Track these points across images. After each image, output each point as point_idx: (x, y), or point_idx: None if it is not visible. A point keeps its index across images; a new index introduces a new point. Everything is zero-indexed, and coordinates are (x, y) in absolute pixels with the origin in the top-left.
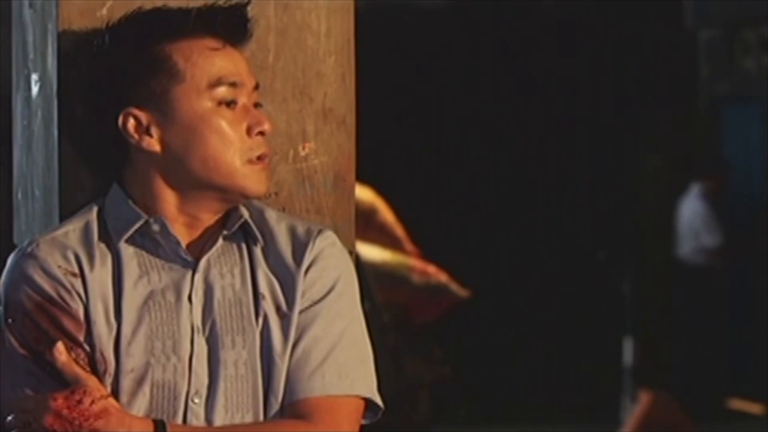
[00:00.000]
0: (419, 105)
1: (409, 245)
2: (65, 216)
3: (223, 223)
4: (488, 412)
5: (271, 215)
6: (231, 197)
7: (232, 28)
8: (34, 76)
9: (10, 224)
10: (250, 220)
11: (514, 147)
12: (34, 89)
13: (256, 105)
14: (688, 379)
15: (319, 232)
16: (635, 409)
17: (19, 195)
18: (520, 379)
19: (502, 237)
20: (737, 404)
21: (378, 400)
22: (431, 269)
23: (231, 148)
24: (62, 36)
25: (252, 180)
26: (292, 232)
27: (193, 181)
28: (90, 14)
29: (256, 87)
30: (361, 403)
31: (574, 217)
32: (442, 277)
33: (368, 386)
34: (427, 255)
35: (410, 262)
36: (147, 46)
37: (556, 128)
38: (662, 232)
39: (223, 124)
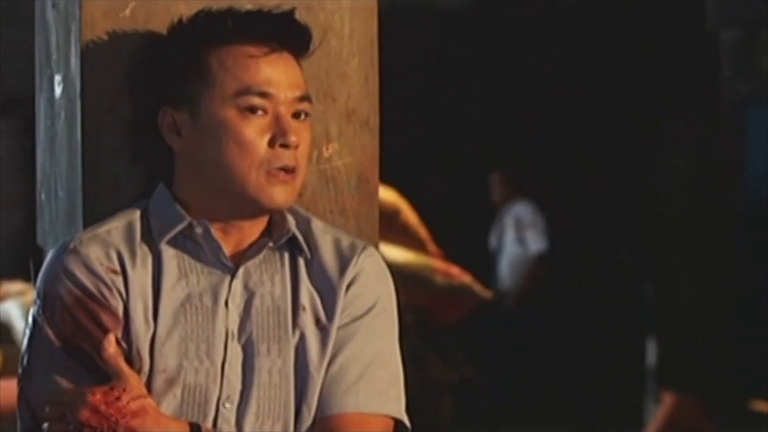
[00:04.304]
0: (442, 106)
1: (432, 246)
2: (88, 217)
3: (268, 230)
4: (510, 414)
5: (317, 226)
6: (248, 206)
7: (280, 35)
8: (57, 77)
9: (33, 225)
10: (296, 231)
11: (536, 147)
12: (58, 90)
13: (299, 115)
14: (712, 381)
15: (364, 248)
16: (658, 411)
17: (43, 196)
18: (543, 380)
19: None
20: (760, 406)
21: (407, 422)
22: (454, 270)
23: (247, 158)
24: (85, 37)
25: (267, 192)
26: (337, 246)
27: (211, 186)
28: (113, 15)
29: (303, 98)
30: (391, 423)
31: (595, 218)
32: (466, 278)
33: (399, 407)
34: (450, 256)
35: (433, 263)
36: (189, 50)
37: (577, 129)
38: (683, 233)
39: (245, 133)
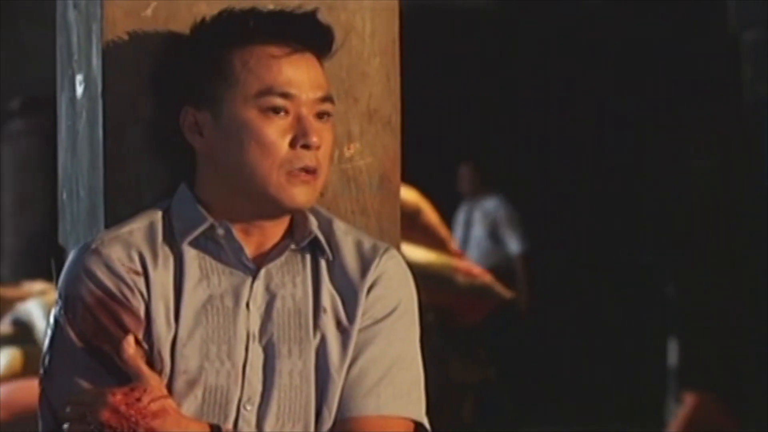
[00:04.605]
0: (463, 106)
1: (453, 246)
2: (110, 216)
3: (290, 231)
4: (532, 413)
5: (339, 227)
6: (270, 207)
7: (303, 35)
8: (79, 77)
9: (54, 225)
10: (318, 233)
11: (559, 148)
12: (79, 90)
13: (321, 116)
14: (733, 381)
15: (386, 250)
16: (679, 411)
17: (64, 195)
18: (564, 380)
19: (546, 239)
20: None
21: (427, 425)
22: (476, 270)
23: (269, 158)
24: (106, 37)
25: (287, 192)
26: (359, 248)
27: (232, 187)
28: (134, 15)
29: (325, 99)
30: (411, 426)
31: (618, 219)
32: (487, 279)
33: (420, 410)
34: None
35: (455, 263)
36: (211, 50)
37: (599, 130)
38: (705, 234)
39: (266, 133)
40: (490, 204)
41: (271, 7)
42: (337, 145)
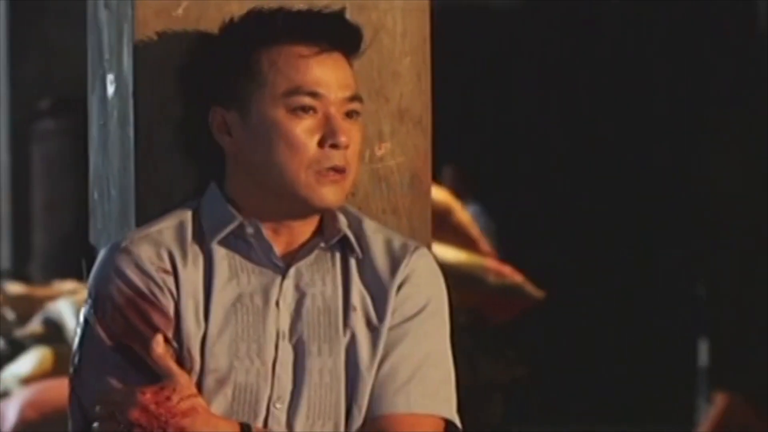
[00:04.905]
0: (495, 105)
1: (484, 246)
2: (141, 216)
3: (319, 229)
4: (562, 413)
5: (369, 226)
6: (299, 206)
7: (331, 34)
8: (110, 77)
9: (85, 225)
10: (348, 232)
11: (590, 148)
12: (110, 90)
13: (350, 115)
14: (763, 382)
15: (415, 248)
16: (710, 411)
17: (95, 195)
18: (595, 379)
19: (578, 238)
20: None
21: (457, 422)
22: (506, 270)
23: (297, 157)
24: (138, 36)
25: (317, 192)
26: (388, 246)
27: (261, 186)
28: (165, 15)
29: (353, 98)
30: (441, 424)
31: (648, 219)
32: (518, 278)
33: (450, 407)
34: (502, 255)
35: (485, 262)
36: (240, 50)
37: (630, 129)
38: (735, 234)
39: (294, 133)
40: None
41: (300, 6)
42: (368, 145)
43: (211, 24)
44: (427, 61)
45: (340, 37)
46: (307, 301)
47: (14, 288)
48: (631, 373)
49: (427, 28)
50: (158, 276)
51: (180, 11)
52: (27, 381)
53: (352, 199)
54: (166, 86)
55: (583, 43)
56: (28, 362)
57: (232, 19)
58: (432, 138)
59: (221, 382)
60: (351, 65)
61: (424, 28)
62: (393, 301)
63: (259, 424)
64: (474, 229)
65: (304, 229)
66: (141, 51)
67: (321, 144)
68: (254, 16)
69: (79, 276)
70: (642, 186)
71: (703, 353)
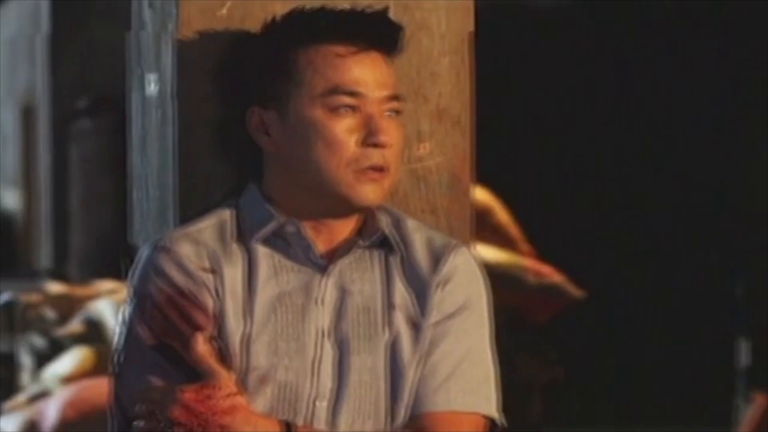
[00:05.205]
0: (537, 106)
1: (524, 245)
2: (180, 215)
3: (359, 228)
4: (601, 413)
5: (409, 225)
6: (338, 205)
7: (371, 34)
8: (151, 76)
9: (124, 224)
10: (388, 231)
11: (629, 148)
12: (151, 89)
13: (391, 114)
14: None
15: (456, 247)
16: (749, 411)
17: (135, 195)
18: (633, 379)
19: (617, 238)
20: None
21: (498, 419)
22: (546, 270)
23: (336, 157)
24: (181, 35)
25: (356, 190)
26: (429, 244)
27: (300, 185)
28: (209, 14)
29: (393, 97)
30: (482, 421)
31: (686, 218)
32: (557, 278)
33: (491, 405)
34: (542, 255)
35: (525, 262)
36: (277, 49)
37: (670, 129)
38: None
39: (334, 132)
40: None
41: (342, 6)
42: (407, 145)
43: (256, 23)
44: (466, 60)
45: (379, 36)
46: (348, 300)
47: (54, 287)
48: (669, 373)
49: (470, 27)
50: (198, 274)
51: (224, 11)
52: (67, 380)
53: (391, 199)
54: (207, 86)
55: (626, 42)
56: (68, 362)
57: (273, 19)
58: (473, 138)
59: (262, 381)
60: (390, 64)
61: (466, 28)
62: (434, 299)
63: (300, 422)
64: (514, 229)
65: (344, 227)
66: (183, 50)
67: (361, 143)
68: (296, 15)
69: (118, 275)
70: (681, 185)
71: (743, 353)
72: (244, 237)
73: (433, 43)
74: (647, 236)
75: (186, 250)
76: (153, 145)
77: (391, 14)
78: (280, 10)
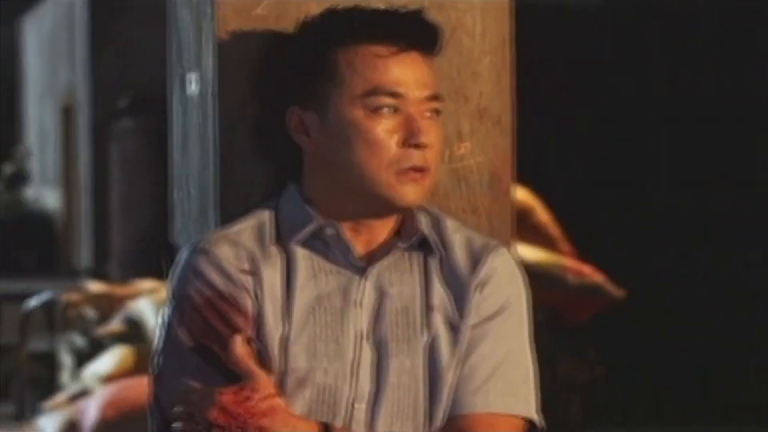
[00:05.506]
0: (575, 106)
1: (564, 245)
2: (221, 215)
3: (398, 229)
4: (641, 413)
5: (449, 225)
6: (379, 206)
7: (408, 34)
8: (190, 76)
9: (163, 223)
10: (427, 232)
11: (670, 147)
12: (190, 89)
13: (431, 114)
14: None
15: (495, 248)
16: None
17: (176, 194)
18: (674, 379)
19: (658, 237)
20: None
21: (537, 421)
22: (586, 269)
23: (377, 158)
24: (218, 35)
25: (397, 191)
26: (468, 245)
27: (340, 186)
28: (246, 13)
29: (433, 97)
30: (521, 423)
31: (729, 218)
32: (598, 278)
33: (529, 407)
34: (582, 255)
35: (565, 262)
36: (316, 50)
37: (711, 128)
38: None
39: (374, 133)
40: None
41: (378, 5)
42: (447, 144)
43: (291, 23)
44: (506, 60)
45: (418, 36)
46: (387, 302)
47: (95, 287)
48: (710, 372)
49: (507, 28)
50: (237, 276)
51: (260, 10)
52: (107, 379)
53: (431, 199)
54: (246, 85)
55: (661, 42)
56: (108, 361)
57: (307, 19)
58: (515, 138)
59: (301, 383)
60: (430, 64)
61: (504, 28)
62: (473, 300)
63: (339, 424)
64: (554, 229)
65: (384, 228)
66: (222, 50)
67: (402, 144)
68: (330, 15)
69: (158, 274)
70: (722, 184)
71: None
72: (283, 239)
73: (474, 43)
74: (688, 235)
75: (225, 252)
76: (194, 144)
77: (426, 15)
78: (315, 9)
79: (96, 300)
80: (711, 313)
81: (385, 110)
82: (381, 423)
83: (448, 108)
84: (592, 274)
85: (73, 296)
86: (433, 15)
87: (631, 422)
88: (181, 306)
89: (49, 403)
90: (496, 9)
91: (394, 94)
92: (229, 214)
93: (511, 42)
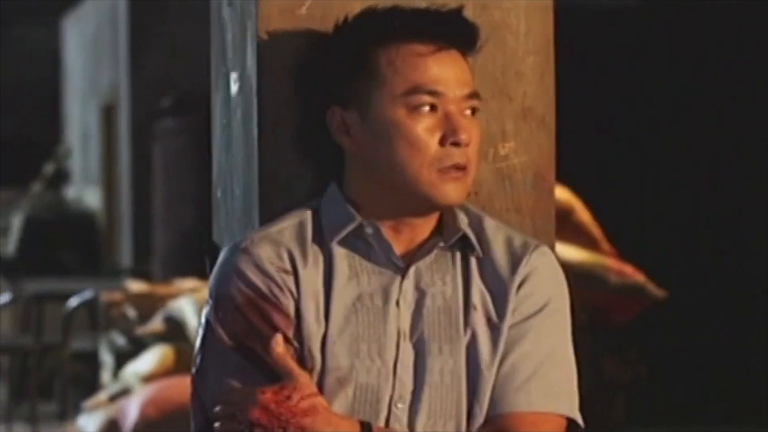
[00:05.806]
0: (615, 106)
1: (605, 245)
2: (264, 214)
3: (438, 228)
4: (684, 413)
5: (489, 225)
6: (420, 204)
7: (447, 32)
8: (234, 75)
9: (206, 222)
10: (468, 231)
11: (708, 147)
12: (234, 88)
13: (471, 112)
14: None
15: (536, 247)
16: None
17: (219, 193)
18: (716, 379)
19: (699, 237)
20: None
21: (580, 420)
22: (628, 269)
23: (419, 156)
24: (261, 35)
25: (439, 190)
26: (509, 244)
27: (383, 185)
28: (289, 13)
29: (472, 95)
30: (563, 422)
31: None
32: (639, 278)
33: (572, 406)
34: (624, 255)
35: (607, 262)
36: (356, 49)
37: (748, 127)
38: None
39: (416, 131)
40: None
41: (417, 4)
42: (491, 144)
43: (335, 23)
44: (550, 60)
45: (457, 34)
46: (428, 301)
47: (136, 286)
48: (751, 372)
49: (551, 27)
50: (278, 276)
51: (303, 10)
52: (148, 379)
53: (475, 198)
54: (289, 85)
55: (698, 42)
56: (149, 360)
57: (346, 19)
58: (557, 138)
59: (342, 382)
60: (468, 62)
61: (547, 28)
62: (513, 299)
63: (380, 423)
64: (595, 229)
65: (425, 227)
66: (265, 49)
67: (442, 142)
68: (370, 15)
69: (200, 274)
70: (761, 185)
71: None
72: (324, 238)
73: (518, 43)
74: (730, 236)
75: (266, 252)
76: (237, 144)
77: (470, 13)
78: (358, 9)
79: (137, 299)
80: (752, 312)
81: (425, 109)
82: (421, 422)
83: (492, 107)
84: (633, 273)
85: (115, 296)
86: (477, 14)
87: (674, 422)
88: (222, 305)
89: (89, 403)
90: (541, 8)
91: (433, 93)
92: (272, 213)
93: (554, 42)
